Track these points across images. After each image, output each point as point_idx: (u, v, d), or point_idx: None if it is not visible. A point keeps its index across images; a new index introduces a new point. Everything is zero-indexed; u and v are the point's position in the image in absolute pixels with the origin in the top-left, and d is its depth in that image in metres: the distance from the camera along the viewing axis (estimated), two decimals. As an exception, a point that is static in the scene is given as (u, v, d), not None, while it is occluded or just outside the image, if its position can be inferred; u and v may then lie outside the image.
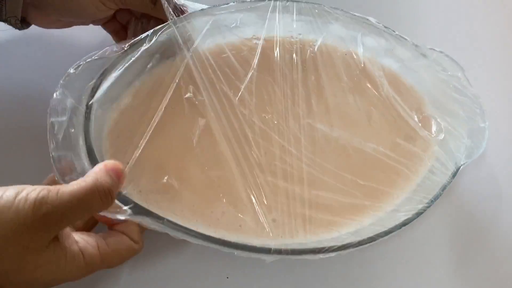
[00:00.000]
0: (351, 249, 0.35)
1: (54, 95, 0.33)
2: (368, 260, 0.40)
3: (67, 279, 0.28)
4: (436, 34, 0.55)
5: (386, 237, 0.37)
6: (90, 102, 0.35)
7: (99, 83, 0.35)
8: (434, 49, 0.47)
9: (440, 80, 0.47)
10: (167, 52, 0.41)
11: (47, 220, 0.26)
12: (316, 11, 0.45)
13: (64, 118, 0.32)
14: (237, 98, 0.40)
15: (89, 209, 0.28)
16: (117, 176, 0.30)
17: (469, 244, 0.42)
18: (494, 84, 0.52)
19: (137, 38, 0.38)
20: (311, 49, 0.44)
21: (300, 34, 0.45)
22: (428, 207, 0.39)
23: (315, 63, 0.43)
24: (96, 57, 0.35)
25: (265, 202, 0.38)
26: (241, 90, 0.40)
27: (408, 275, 0.40)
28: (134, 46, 0.38)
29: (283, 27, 0.44)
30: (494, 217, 0.43)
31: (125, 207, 0.31)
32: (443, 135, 0.44)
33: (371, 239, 0.36)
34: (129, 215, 0.31)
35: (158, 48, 0.40)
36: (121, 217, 0.31)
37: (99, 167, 0.29)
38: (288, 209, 0.38)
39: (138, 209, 0.32)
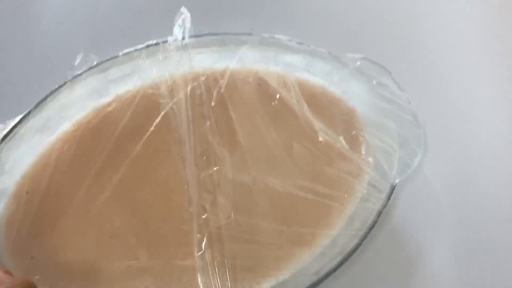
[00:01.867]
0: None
1: None
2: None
3: None
4: (355, 40, 0.51)
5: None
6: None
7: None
8: (355, 56, 0.44)
9: (366, 90, 0.44)
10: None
11: None
12: (217, 41, 0.41)
13: None
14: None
15: None
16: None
17: (410, 269, 0.40)
18: (425, 86, 0.49)
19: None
20: (218, 86, 0.40)
21: (204, 72, 0.41)
22: (363, 239, 0.37)
23: (223, 103, 0.40)
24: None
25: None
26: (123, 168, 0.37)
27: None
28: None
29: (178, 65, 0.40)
30: (435, 234, 0.41)
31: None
32: (373, 154, 0.41)
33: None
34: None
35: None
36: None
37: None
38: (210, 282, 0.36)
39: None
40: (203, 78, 0.40)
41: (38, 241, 0.35)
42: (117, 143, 0.37)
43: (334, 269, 0.35)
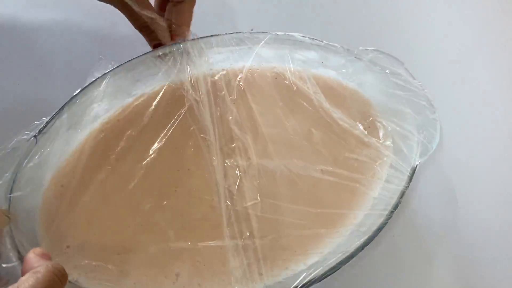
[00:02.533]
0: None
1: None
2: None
3: None
4: (366, 34, 0.53)
5: (349, 262, 0.35)
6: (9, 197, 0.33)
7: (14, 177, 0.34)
8: (367, 49, 0.46)
9: (380, 80, 0.45)
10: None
11: None
12: (234, 40, 0.43)
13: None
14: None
15: None
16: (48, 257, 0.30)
17: (433, 248, 0.40)
18: (438, 74, 0.50)
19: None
20: (237, 81, 0.42)
21: (223, 69, 0.43)
22: (388, 219, 0.37)
23: (244, 95, 0.42)
24: (8, 150, 0.34)
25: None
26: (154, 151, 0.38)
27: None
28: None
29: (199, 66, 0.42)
30: (453, 216, 0.42)
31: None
32: (391, 139, 0.42)
33: (331, 270, 0.34)
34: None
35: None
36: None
37: (32, 257, 0.29)
38: (241, 262, 0.36)
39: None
40: (223, 73, 0.42)
41: (73, 232, 0.36)
42: (143, 134, 0.39)
43: (362, 248, 0.36)
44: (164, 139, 0.39)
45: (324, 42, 0.45)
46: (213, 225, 0.37)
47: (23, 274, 0.29)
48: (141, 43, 0.43)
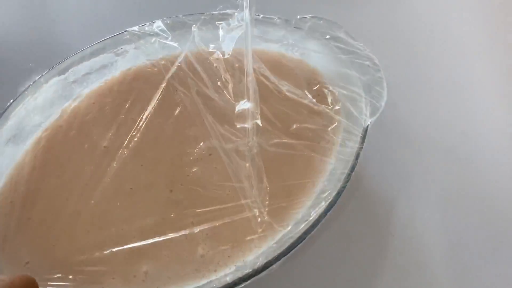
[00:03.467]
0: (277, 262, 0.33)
1: None
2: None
3: None
4: (301, 2, 0.53)
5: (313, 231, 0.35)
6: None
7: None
8: (305, 17, 0.45)
9: (322, 47, 0.45)
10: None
11: None
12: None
13: None
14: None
15: None
16: None
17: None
18: (376, 34, 0.50)
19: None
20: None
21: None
22: (347, 182, 0.38)
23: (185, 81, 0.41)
24: None
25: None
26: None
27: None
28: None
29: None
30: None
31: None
32: (340, 103, 0.43)
33: (298, 241, 0.34)
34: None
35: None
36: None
37: None
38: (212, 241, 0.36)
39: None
40: (162, 62, 0.41)
41: (29, 247, 0.34)
42: (88, 135, 0.38)
43: (324, 214, 0.36)
44: (109, 135, 0.38)
45: (261, 15, 0.45)
46: (172, 217, 0.37)
47: None
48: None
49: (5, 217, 0.35)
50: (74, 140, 0.37)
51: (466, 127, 0.46)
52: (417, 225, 0.41)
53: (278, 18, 0.45)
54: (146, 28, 0.41)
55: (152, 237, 0.36)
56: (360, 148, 0.39)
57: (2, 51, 0.48)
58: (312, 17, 0.45)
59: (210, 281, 0.34)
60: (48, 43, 0.47)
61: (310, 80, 0.45)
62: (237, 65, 0.43)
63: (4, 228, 0.34)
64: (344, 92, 0.43)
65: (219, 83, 0.41)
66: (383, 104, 0.42)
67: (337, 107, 0.43)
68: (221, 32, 0.43)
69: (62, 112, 0.38)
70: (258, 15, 0.45)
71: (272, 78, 0.43)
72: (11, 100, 0.36)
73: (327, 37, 0.45)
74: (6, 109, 0.36)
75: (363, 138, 0.40)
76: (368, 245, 0.40)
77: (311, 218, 0.36)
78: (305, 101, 0.42)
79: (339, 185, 0.37)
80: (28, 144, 0.37)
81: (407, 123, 0.46)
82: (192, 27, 0.43)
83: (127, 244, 0.36)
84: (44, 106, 0.37)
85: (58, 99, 0.38)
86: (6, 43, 0.48)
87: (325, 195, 0.37)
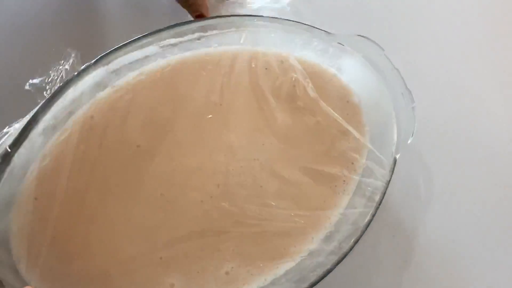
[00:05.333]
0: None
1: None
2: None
3: None
4: (349, 19, 0.51)
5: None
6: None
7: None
8: (348, 34, 0.44)
9: (360, 66, 0.44)
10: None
11: None
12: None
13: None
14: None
15: None
16: None
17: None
18: (417, 64, 0.50)
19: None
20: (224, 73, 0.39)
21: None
22: (373, 216, 0.39)
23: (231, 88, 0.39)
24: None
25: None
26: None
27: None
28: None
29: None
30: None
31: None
32: (370, 129, 0.43)
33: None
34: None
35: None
36: None
37: None
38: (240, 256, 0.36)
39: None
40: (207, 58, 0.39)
41: (52, 249, 0.33)
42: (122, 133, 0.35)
43: (351, 248, 0.37)
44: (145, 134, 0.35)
45: (307, 23, 0.43)
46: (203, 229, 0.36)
47: None
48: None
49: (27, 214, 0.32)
50: (107, 136, 0.35)
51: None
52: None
53: (322, 29, 0.43)
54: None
55: (181, 249, 0.36)
56: (388, 182, 0.40)
57: (39, 28, 0.42)
58: (356, 35, 0.44)
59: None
60: (90, 28, 0.43)
61: (341, 98, 0.44)
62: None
63: (28, 226, 0.32)
64: (375, 117, 0.43)
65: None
66: (412, 136, 0.43)
67: (367, 134, 0.43)
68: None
69: (97, 104, 0.35)
70: (304, 24, 0.43)
71: (312, 92, 0.42)
72: (57, 88, 0.32)
73: (367, 57, 0.44)
74: (53, 98, 0.32)
75: (392, 170, 0.41)
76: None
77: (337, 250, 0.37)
78: (336, 120, 0.42)
79: (366, 218, 0.38)
80: (64, 135, 0.34)
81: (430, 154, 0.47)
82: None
83: (155, 254, 0.35)
84: (81, 97, 0.34)
85: (96, 90, 0.35)
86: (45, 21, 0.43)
87: (350, 227, 0.38)
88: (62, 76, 0.35)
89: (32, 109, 0.33)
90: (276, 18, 0.41)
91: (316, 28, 0.43)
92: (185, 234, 0.36)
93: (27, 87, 0.35)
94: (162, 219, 0.36)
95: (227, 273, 0.36)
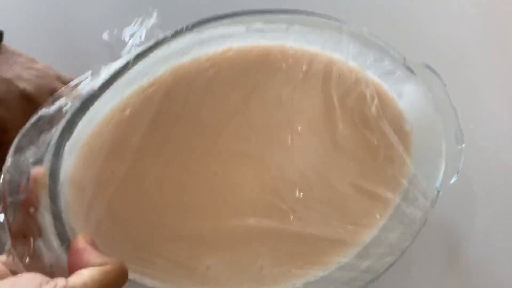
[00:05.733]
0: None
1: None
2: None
3: None
4: (418, 45, 0.52)
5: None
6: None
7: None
8: (417, 61, 0.45)
9: (419, 97, 0.45)
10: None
11: None
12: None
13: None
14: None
15: None
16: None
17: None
18: (476, 100, 0.51)
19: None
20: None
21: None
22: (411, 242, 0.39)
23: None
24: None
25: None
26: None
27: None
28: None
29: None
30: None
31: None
32: (419, 159, 0.43)
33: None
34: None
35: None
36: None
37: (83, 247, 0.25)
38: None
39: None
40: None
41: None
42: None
43: (386, 269, 0.37)
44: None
45: (384, 42, 0.43)
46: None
47: (70, 265, 0.25)
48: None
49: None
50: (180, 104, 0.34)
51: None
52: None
53: (399, 52, 0.43)
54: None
55: (223, 234, 0.35)
56: (427, 213, 0.41)
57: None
58: (424, 64, 0.45)
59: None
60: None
61: (395, 123, 0.45)
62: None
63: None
64: (422, 148, 0.44)
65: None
66: (455, 176, 0.44)
67: (415, 163, 0.43)
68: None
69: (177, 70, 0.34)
70: (383, 41, 0.43)
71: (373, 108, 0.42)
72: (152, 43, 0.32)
73: (428, 90, 0.44)
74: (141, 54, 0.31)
75: (433, 203, 0.41)
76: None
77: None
78: (393, 141, 0.42)
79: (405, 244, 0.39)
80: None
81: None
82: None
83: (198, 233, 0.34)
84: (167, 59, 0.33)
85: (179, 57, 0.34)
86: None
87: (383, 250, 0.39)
88: (143, 34, 0.34)
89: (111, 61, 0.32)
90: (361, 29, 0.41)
91: (392, 47, 0.43)
92: (229, 218, 0.36)
93: (105, 37, 0.34)
94: (211, 200, 0.35)
95: (260, 267, 0.36)
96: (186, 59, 0.35)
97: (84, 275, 0.24)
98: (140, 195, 0.33)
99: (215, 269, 0.34)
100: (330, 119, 0.40)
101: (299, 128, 0.39)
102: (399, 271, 0.41)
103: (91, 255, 0.25)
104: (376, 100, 0.42)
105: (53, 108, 0.28)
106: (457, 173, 0.43)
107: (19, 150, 0.26)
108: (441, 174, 0.43)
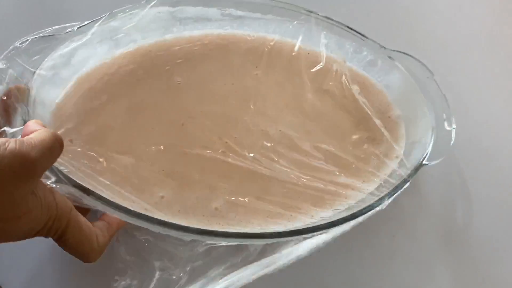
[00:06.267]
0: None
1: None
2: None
3: (38, 227, 0.28)
4: (402, 35, 0.54)
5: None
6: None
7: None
8: (401, 52, 0.46)
9: (406, 85, 0.46)
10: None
11: (29, 168, 0.27)
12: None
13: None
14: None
15: (55, 156, 0.29)
16: None
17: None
18: (464, 88, 0.51)
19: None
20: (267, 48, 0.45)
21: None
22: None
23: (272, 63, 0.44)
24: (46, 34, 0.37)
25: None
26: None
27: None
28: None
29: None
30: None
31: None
32: (405, 140, 0.43)
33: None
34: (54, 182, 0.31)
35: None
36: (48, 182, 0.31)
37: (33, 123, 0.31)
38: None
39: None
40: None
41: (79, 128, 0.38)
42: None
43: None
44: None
45: (361, 33, 0.47)
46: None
47: (22, 136, 0.30)
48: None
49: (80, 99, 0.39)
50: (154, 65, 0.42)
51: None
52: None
53: (379, 44, 0.46)
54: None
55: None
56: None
57: None
58: (408, 55, 0.46)
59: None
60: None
61: (383, 111, 0.46)
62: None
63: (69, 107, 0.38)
64: (412, 133, 0.44)
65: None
66: (443, 156, 0.42)
67: (402, 143, 0.43)
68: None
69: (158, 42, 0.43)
70: (364, 36, 0.46)
71: (357, 95, 0.45)
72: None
73: (415, 78, 0.45)
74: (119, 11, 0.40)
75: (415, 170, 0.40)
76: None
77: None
78: (377, 123, 0.44)
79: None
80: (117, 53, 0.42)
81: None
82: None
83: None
84: (145, 27, 0.42)
85: (159, 28, 0.43)
86: None
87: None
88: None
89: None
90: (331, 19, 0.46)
91: (370, 39, 0.46)
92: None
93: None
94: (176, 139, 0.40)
95: (216, 208, 0.37)
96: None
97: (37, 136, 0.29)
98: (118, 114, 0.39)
99: (168, 197, 0.36)
100: (298, 89, 0.44)
101: (265, 96, 0.43)
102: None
103: (37, 127, 0.31)
104: (357, 87, 0.45)
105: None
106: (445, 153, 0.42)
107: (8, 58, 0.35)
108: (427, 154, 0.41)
